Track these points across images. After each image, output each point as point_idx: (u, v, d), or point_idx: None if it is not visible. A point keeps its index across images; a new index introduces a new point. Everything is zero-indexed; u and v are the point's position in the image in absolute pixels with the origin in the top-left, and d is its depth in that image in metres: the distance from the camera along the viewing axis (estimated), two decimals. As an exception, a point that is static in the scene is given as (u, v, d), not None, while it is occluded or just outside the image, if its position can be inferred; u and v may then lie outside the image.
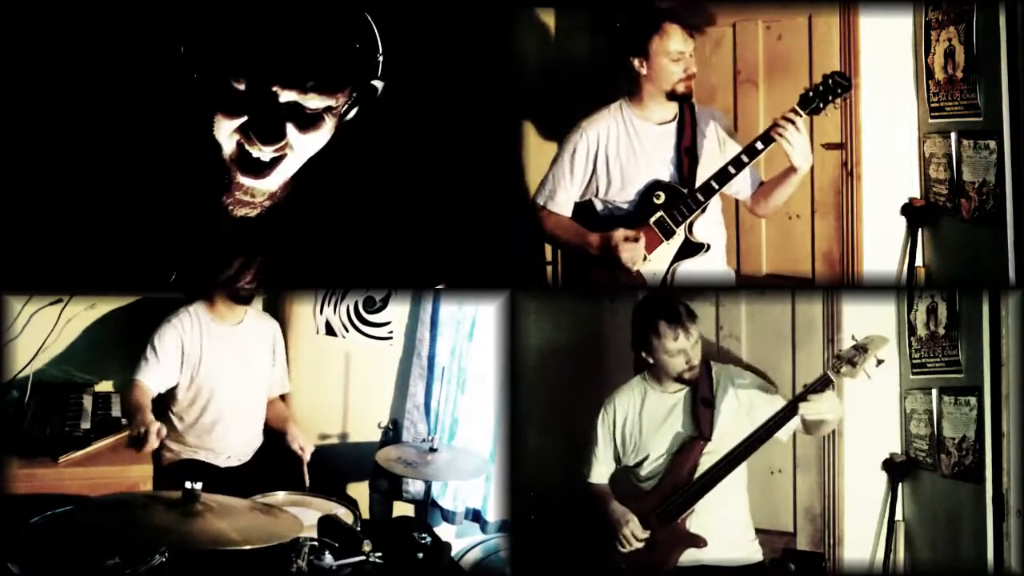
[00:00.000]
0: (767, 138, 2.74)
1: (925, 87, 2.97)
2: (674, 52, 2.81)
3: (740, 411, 2.69)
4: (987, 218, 2.77)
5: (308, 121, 2.09)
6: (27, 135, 2.42)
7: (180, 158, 2.30)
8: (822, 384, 2.54)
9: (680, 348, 2.67)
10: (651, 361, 2.73)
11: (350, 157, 2.50)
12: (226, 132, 2.10)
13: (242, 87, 2.03)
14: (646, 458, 2.74)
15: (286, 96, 2.03)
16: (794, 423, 2.60)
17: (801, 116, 2.71)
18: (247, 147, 2.10)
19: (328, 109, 2.10)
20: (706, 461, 2.65)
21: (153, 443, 2.76)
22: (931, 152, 2.98)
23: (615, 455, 2.81)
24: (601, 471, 2.83)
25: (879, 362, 2.53)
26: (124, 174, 2.37)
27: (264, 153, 2.10)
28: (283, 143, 2.09)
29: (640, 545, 2.66)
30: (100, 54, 2.38)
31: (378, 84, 2.20)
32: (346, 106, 2.16)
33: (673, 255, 2.86)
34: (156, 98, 2.31)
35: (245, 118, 2.07)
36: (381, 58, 2.15)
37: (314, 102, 2.06)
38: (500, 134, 3.08)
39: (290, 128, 2.08)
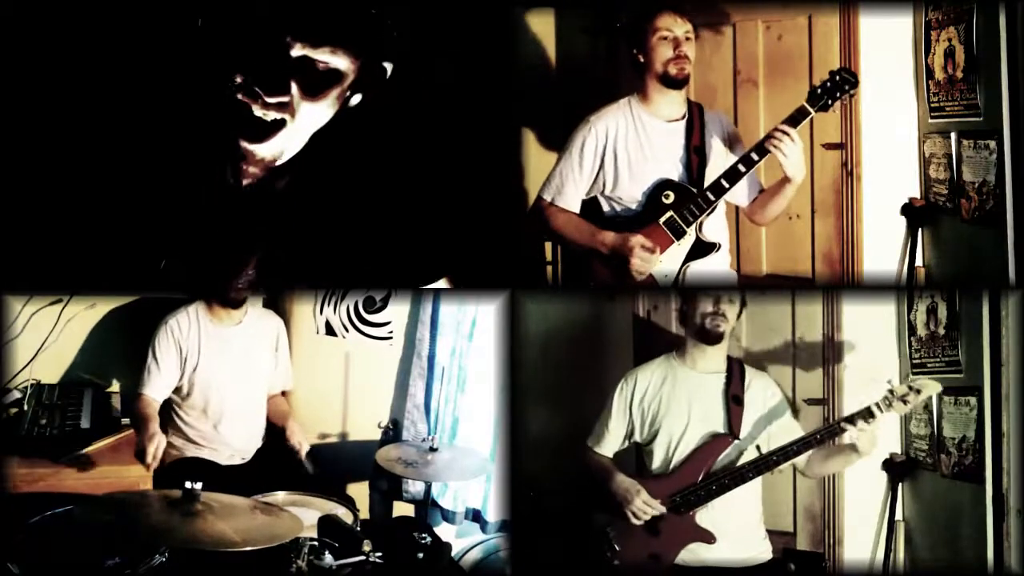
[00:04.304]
0: (762, 149, 2.75)
1: (925, 87, 2.97)
2: (662, 30, 2.79)
3: (762, 417, 2.68)
4: (987, 218, 2.77)
5: (313, 85, 2.10)
6: (27, 135, 2.42)
7: (180, 152, 2.32)
8: (867, 415, 2.53)
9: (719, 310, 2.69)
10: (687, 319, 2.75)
11: (352, 158, 2.51)
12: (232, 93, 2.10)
13: (254, 39, 2.03)
14: (657, 435, 2.70)
15: (297, 51, 2.05)
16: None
17: (795, 129, 2.72)
18: (251, 106, 2.11)
19: (336, 77, 2.10)
20: (728, 460, 2.64)
21: (151, 461, 2.81)
22: (931, 152, 2.98)
23: (628, 430, 2.78)
24: (609, 444, 2.79)
25: (926, 406, 2.63)
26: (124, 173, 2.37)
27: (267, 113, 2.11)
28: (287, 99, 2.09)
29: (651, 514, 2.62)
30: (101, 50, 2.39)
31: (388, 66, 2.19)
32: (351, 86, 2.16)
33: (685, 255, 2.85)
34: (154, 96, 2.33)
35: (250, 75, 2.07)
36: (396, 35, 2.17)
37: (324, 56, 2.07)
38: (500, 134, 3.08)
39: (294, 88, 2.09)
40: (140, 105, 2.32)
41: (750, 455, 2.66)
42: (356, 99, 2.23)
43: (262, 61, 2.07)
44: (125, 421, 3.18)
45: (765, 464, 2.60)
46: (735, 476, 2.61)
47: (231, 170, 2.21)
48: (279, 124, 2.15)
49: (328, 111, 2.18)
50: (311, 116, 2.16)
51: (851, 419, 2.55)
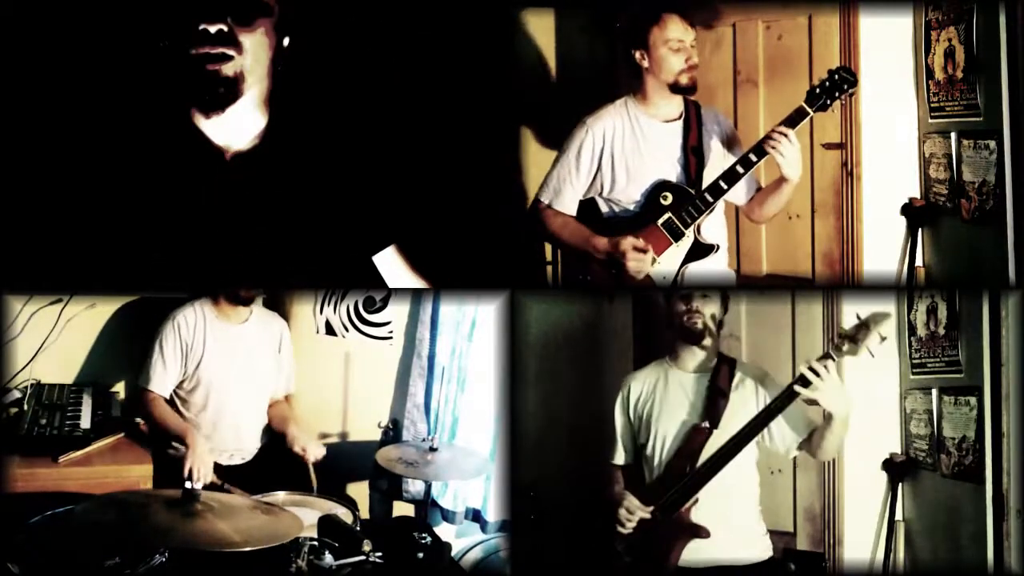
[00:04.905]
0: (760, 150, 2.75)
1: (925, 87, 2.97)
2: (673, 41, 2.80)
3: (754, 413, 2.65)
4: (987, 218, 2.77)
5: (243, 15, 2.37)
6: (26, 135, 2.43)
7: (173, 152, 2.39)
8: (823, 359, 2.48)
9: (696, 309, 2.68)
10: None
11: (352, 158, 2.51)
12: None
13: None
14: (654, 437, 2.69)
15: None
16: (798, 415, 2.58)
17: (793, 130, 2.73)
18: (204, 50, 2.37)
19: (262, 9, 2.40)
20: (709, 451, 2.61)
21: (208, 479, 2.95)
22: (931, 152, 2.98)
23: (632, 435, 2.77)
24: (620, 454, 2.79)
25: (882, 339, 2.48)
26: (121, 172, 2.38)
27: (215, 49, 2.37)
28: (226, 28, 2.36)
29: (637, 518, 2.61)
30: (92, 54, 2.42)
31: None
32: (277, 25, 2.43)
33: (683, 257, 2.85)
34: (146, 94, 2.38)
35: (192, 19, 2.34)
36: None
37: None
38: (500, 134, 3.08)
39: (230, 21, 2.37)
40: (133, 104, 2.43)
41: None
42: (286, 41, 2.49)
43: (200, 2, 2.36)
44: (138, 420, 3.18)
45: (732, 448, 2.56)
46: (710, 465, 2.58)
47: (205, 94, 2.42)
48: (229, 56, 2.40)
49: (263, 41, 2.42)
50: (251, 48, 2.41)
51: (804, 374, 2.47)
